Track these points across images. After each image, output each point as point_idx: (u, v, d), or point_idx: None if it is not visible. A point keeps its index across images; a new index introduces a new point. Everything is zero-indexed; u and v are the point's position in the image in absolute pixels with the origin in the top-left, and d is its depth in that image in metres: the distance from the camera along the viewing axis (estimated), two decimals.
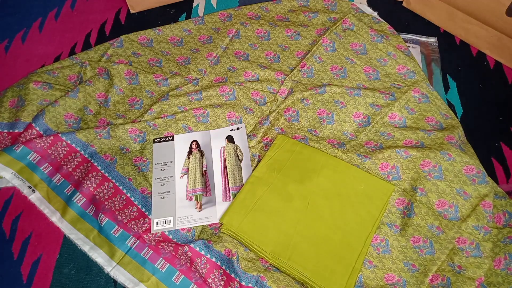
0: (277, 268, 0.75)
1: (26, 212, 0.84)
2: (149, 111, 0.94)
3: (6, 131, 0.90)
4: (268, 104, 0.97)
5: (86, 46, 1.11)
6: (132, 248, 0.77)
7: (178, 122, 0.93)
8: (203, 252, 0.76)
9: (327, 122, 0.93)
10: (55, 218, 0.81)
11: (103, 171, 0.86)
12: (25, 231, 0.83)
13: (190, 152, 0.90)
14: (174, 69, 1.03)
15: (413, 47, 1.05)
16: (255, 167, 0.86)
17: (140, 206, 0.83)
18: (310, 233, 0.77)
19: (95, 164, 0.87)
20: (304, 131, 0.92)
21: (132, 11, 1.17)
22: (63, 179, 0.85)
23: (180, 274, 0.75)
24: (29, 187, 0.83)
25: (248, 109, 0.96)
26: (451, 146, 0.84)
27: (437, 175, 0.82)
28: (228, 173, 0.87)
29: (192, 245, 0.77)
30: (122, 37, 1.07)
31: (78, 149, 0.88)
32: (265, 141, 0.91)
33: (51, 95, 0.95)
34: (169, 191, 0.85)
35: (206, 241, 0.78)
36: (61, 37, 1.13)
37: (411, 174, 0.83)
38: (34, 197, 0.82)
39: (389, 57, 1.00)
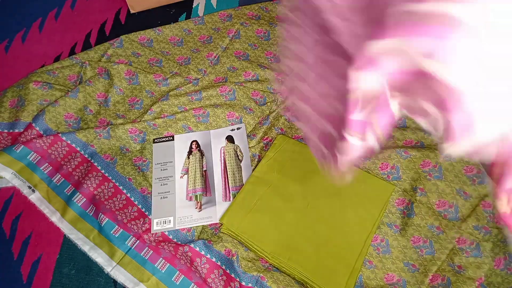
0: (277, 268, 0.75)
1: (26, 212, 0.84)
2: (149, 111, 0.94)
3: (6, 131, 0.90)
4: (268, 104, 0.97)
5: (86, 46, 1.11)
6: (132, 248, 0.77)
7: (178, 122, 0.93)
8: (203, 252, 0.76)
9: None
10: (55, 218, 0.80)
11: (103, 171, 0.86)
12: (25, 231, 0.83)
13: (190, 152, 0.90)
14: (174, 69, 1.03)
15: None
16: (255, 167, 0.86)
17: (140, 206, 0.83)
18: (310, 233, 0.77)
19: (95, 164, 0.87)
20: None
21: (132, 11, 1.17)
22: (63, 179, 0.85)
23: (180, 274, 0.75)
24: (29, 187, 0.82)
25: (248, 109, 0.96)
26: None
27: (437, 175, 0.81)
28: (228, 173, 0.87)
29: (192, 245, 0.77)
30: (122, 37, 1.07)
31: (78, 149, 0.88)
32: (265, 141, 0.91)
33: (51, 95, 0.95)
34: (169, 191, 0.85)
35: (206, 241, 0.78)
36: (61, 37, 1.13)
37: (411, 174, 0.83)
38: (34, 197, 0.82)
39: None
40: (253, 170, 0.86)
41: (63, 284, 0.78)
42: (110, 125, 0.92)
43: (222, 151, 0.90)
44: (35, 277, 0.78)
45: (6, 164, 0.82)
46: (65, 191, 0.83)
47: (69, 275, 0.78)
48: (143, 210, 0.83)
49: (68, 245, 0.80)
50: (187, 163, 0.89)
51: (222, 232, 0.79)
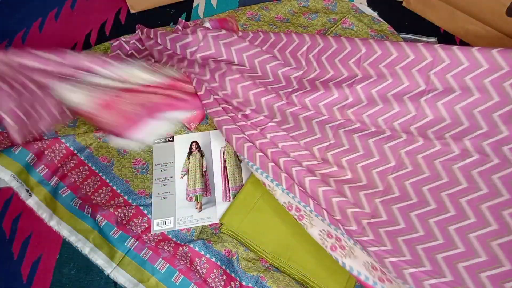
0: (277, 268, 0.76)
1: (26, 212, 0.84)
2: None
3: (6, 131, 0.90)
4: None
5: (86, 46, 1.11)
6: (132, 249, 0.77)
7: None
8: (202, 252, 0.76)
9: None
10: (53, 222, 0.80)
11: (100, 174, 0.86)
12: (25, 231, 0.83)
13: (190, 153, 0.90)
14: None
15: None
16: None
17: (138, 208, 0.83)
18: None
19: (93, 167, 0.87)
20: None
21: (132, 11, 1.17)
22: (60, 181, 0.84)
23: (180, 274, 0.75)
24: (27, 190, 0.81)
25: None
26: None
27: None
28: (228, 173, 0.87)
29: (191, 245, 0.77)
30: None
31: (76, 151, 0.88)
32: None
33: None
34: (169, 192, 0.85)
35: (206, 241, 0.78)
36: (61, 37, 1.13)
37: None
38: (32, 201, 0.81)
39: None
40: None
41: (63, 284, 0.78)
42: None
43: (222, 152, 0.90)
44: (35, 277, 0.78)
45: (5, 166, 0.81)
46: (62, 193, 0.83)
47: (69, 275, 0.78)
48: (142, 210, 0.82)
49: (68, 245, 0.80)
50: (187, 163, 0.89)
51: (222, 232, 0.79)
